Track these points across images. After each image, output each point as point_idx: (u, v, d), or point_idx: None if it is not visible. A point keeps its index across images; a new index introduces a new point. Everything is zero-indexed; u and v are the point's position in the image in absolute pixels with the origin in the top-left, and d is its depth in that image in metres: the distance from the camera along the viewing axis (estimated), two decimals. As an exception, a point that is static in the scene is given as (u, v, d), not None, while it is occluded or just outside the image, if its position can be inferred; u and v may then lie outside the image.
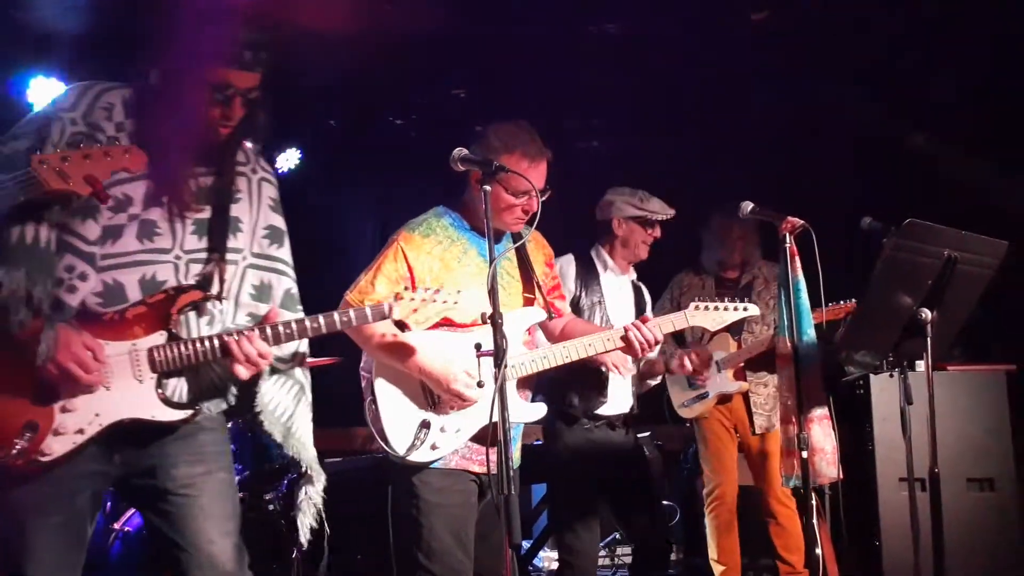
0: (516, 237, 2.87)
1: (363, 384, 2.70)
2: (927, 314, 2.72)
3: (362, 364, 2.73)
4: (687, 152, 5.52)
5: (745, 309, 3.01)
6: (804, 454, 2.98)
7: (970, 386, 4.44)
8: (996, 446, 4.35)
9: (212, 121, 2.07)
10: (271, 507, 4.27)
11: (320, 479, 2.28)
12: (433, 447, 2.61)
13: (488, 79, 5.25)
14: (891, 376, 4.07)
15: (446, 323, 2.65)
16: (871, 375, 4.45)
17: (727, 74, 4.97)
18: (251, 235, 2.20)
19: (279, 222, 2.27)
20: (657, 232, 3.79)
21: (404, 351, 2.58)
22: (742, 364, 4.20)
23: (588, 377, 3.50)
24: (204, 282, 2.08)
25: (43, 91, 4.71)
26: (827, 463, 3.04)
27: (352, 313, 2.17)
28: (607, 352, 2.82)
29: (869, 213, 3.06)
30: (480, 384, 2.10)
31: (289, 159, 6.08)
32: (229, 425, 2.28)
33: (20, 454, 1.91)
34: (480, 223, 2.69)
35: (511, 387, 2.68)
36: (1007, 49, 4.36)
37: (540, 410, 2.78)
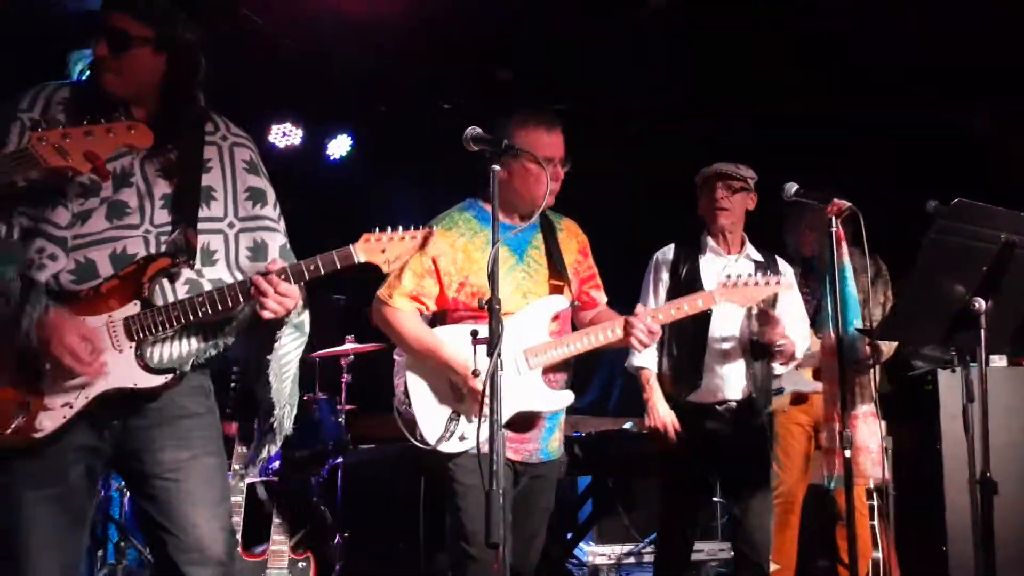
0: (546, 225, 2.86)
1: (395, 370, 2.75)
2: (981, 303, 2.49)
3: (396, 349, 2.78)
4: (734, 132, 5.30)
5: (778, 283, 2.84)
6: (847, 453, 2.80)
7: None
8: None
9: (115, 75, 2.05)
10: (314, 497, 4.29)
11: (281, 435, 2.28)
12: (462, 438, 2.62)
13: (537, 63, 5.14)
14: (954, 371, 3.85)
15: (474, 314, 2.63)
16: (939, 370, 4.19)
17: (768, 48, 4.73)
18: (232, 201, 2.20)
19: (259, 182, 2.26)
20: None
21: (433, 345, 2.63)
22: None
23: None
24: (173, 250, 2.09)
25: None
26: (872, 462, 2.86)
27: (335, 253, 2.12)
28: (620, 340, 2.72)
29: (930, 197, 2.83)
30: (475, 373, 2.01)
31: (341, 145, 6.11)
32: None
33: (16, 432, 1.95)
34: (505, 213, 2.71)
35: (535, 375, 2.67)
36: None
37: (566, 398, 2.75)
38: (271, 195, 2.27)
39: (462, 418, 2.62)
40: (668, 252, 3.45)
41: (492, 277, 2.00)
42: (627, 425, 4.85)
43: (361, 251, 2.10)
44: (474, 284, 2.70)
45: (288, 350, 2.23)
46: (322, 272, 2.07)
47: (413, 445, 2.63)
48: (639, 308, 2.77)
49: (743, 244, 3.43)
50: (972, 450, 2.75)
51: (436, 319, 2.78)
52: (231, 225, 2.19)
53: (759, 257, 3.43)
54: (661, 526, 3.57)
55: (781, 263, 3.48)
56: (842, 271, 2.91)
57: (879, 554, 3.95)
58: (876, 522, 4.17)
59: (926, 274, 2.49)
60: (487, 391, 1.89)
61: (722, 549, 4.72)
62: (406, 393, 2.63)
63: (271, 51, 5.04)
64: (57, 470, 2.02)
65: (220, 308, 2.05)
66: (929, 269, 2.48)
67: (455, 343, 2.59)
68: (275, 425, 2.26)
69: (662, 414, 3.28)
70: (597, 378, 6.16)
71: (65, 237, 2.03)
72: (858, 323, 2.89)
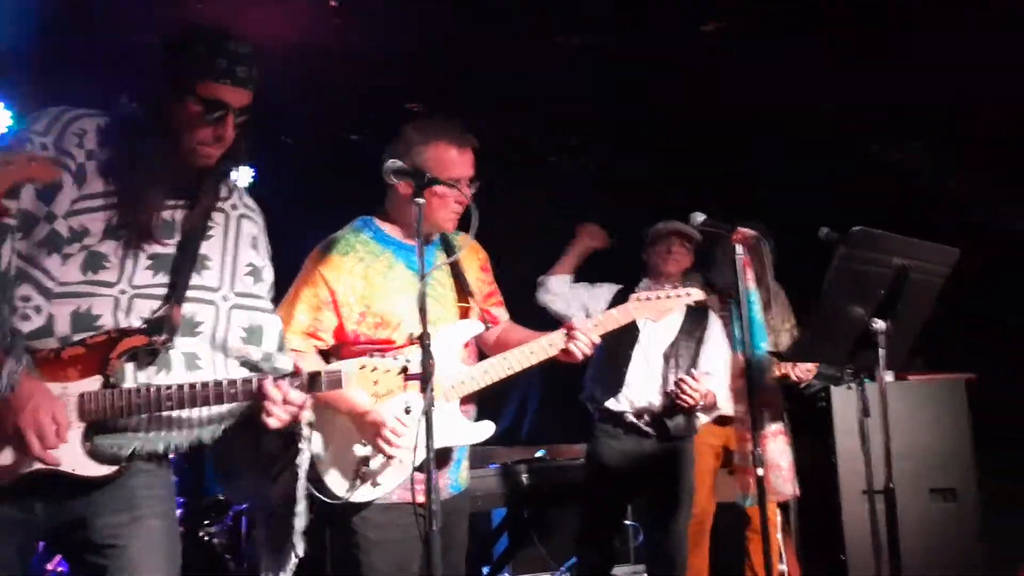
0: (445, 242, 2.72)
1: None
2: (880, 324, 2.65)
3: None
4: (648, 166, 5.48)
5: (688, 295, 2.91)
6: (760, 471, 2.90)
7: (930, 396, 4.43)
8: (957, 456, 4.33)
9: (200, 144, 1.93)
10: (215, 540, 4.11)
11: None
12: (376, 484, 2.44)
13: (447, 94, 5.17)
14: (849, 388, 4.08)
15: (376, 345, 2.46)
16: (832, 387, 4.41)
17: (687, 83, 4.92)
18: (229, 274, 2.05)
19: (259, 260, 2.12)
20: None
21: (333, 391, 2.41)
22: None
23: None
24: (153, 326, 1.91)
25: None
26: (783, 480, 2.98)
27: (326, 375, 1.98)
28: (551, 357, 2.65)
29: (830, 224, 2.99)
30: (407, 411, 1.97)
31: (242, 177, 5.93)
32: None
33: None
34: (407, 232, 2.57)
35: (453, 407, 2.54)
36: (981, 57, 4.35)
37: (487, 429, 2.62)
38: (268, 275, 2.14)
39: (371, 462, 2.42)
40: (612, 291, 3.74)
41: (422, 311, 1.97)
42: (539, 453, 4.87)
43: (354, 380, 1.99)
44: (377, 313, 2.50)
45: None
46: (322, 389, 1.98)
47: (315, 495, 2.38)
48: (575, 320, 2.67)
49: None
50: (869, 461, 2.91)
51: (329, 354, 2.55)
52: (225, 298, 2.03)
53: None
54: (580, 552, 3.64)
55: (710, 311, 3.79)
56: (748, 296, 3.04)
57: (784, 566, 4.11)
58: (780, 535, 4.34)
59: (831, 298, 2.64)
60: (421, 429, 1.85)
61: (635, 572, 4.79)
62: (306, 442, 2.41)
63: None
64: None
65: (200, 404, 1.88)
66: (834, 294, 2.63)
67: (356, 382, 2.32)
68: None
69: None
70: (508, 407, 6.16)
71: (52, 290, 1.86)
72: (766, 346, 3.02)
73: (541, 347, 2.58)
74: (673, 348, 3.68)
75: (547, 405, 5.87)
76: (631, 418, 3.62)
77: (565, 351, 2.59)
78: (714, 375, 3.61)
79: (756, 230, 3.88)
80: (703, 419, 3.79)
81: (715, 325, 3.75)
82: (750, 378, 2.97)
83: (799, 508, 4.46)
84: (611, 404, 3.64)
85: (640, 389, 3.65)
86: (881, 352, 2.65)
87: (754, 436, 2.93)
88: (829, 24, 4.40)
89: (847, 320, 2.62)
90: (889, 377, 4.47)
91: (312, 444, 2.30)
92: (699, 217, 3.14)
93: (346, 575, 2.46)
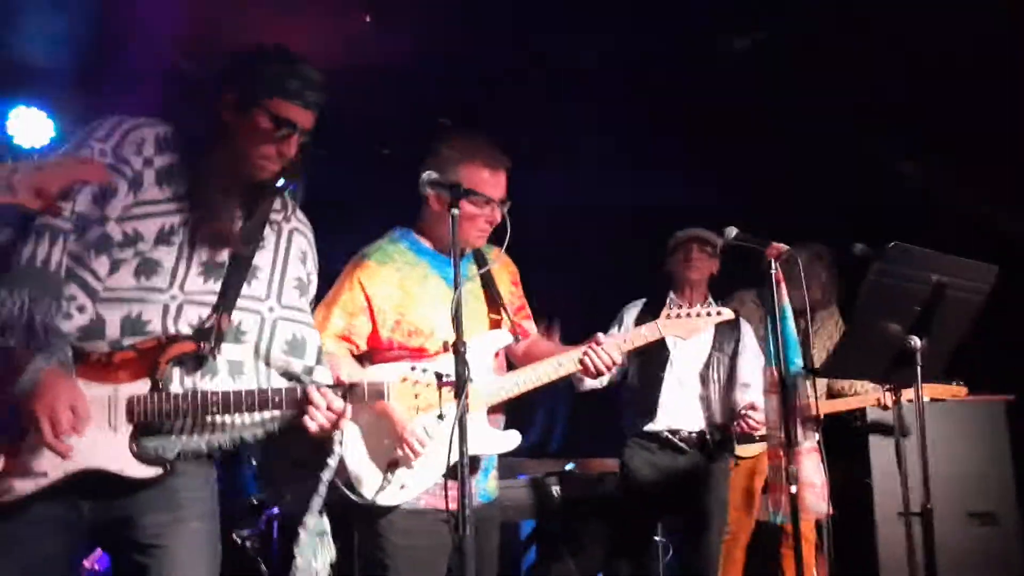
0: (478, 256, 2.79)
1: None
2: (916, 341, 2.62)
3: None
4: (678, 180, 5.46)
5: (719, 314, 2.92)
6: (793, 488, 2.87)
7: (969, 417, 4.33)
8: (996, 479, 4.23)
9: (263, 159, 1.99)
10: (247, 544, 4.15)
11: None
12: (402, 487, 2.50)
13: (475, 113, 5.21)
14: (885, 408, 4.02)
15: (409, 352, 2.55)
16: (868, 406, 4.34)
17: (716, 99, 4.92)
18: (277, 285, 2.09)
19: (304, 274, 2.16)
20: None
21: None
22: None
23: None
24: (200, 333, 1.96)
25: (24, 123, 4.69)
26: (817, 497, 2.93)
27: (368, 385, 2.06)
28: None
29: (865, 240, 2.97)
30: (441, 416, 2.00)
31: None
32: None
33: None
34: (441, 245, 2.65)
35: (481, 416, 2.57)
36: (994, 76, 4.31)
37: (514, 439, 2.66)
38: (313, 289, 2.19)
39: (400, 466, 2.48)
40: (637, 305, 3.73)
41: (456, 321, 1.99)
42: (569, 467, 4.86)
43: (395, 392, 2.06)
44: (411, 322, 2.58)
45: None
46: (364, 400, 2.05)
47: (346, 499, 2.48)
48: (599, 336, 2.71)
49: (706, 300, 3.67)
50: (905, 482, 2.86)
51: (363, 359, 2.63)
52: (271, 309, 2.08)
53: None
54: (609, 567, 3.62)
55: (742, 321, 3.75)
56: (782, 311, 3.01)
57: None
58: (814, 556, 4.28)
59: (865, 314, 2.62)
60: (455, 436, 1.87)
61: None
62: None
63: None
64: (28, 540, 1.86)
65: (246, 411, 1.94)
66: (868, 309, 2.61)
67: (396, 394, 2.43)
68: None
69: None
70: (538, 419, 6.16)
71: (98, 290, 1.91)
72: (799, 361, 2.99)
73: (570, 359, 2.63)
74: (708, 366, 3.67)
75: (577, 418, 5.85)
76: (667, 434, 3.61)
77: (583, 368, 2.64)
78: (752, 385, 3.59)
79: (816, 251, 3.97)
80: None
81: (748, 334, 3.74)
82: (784, 394, 2.94)
83: (833, 528, 4.39)
84: (648, 428, 3.65)
85: (676, 412, 3.64)
86: (918, 369, 2.62)
87: (788, 453, 2.90)
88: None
89: (882, 336, 2.59)
90: (924, 399, 4.44)
91: (344, 444, 2.37)
92: (732, 231, 3.13)
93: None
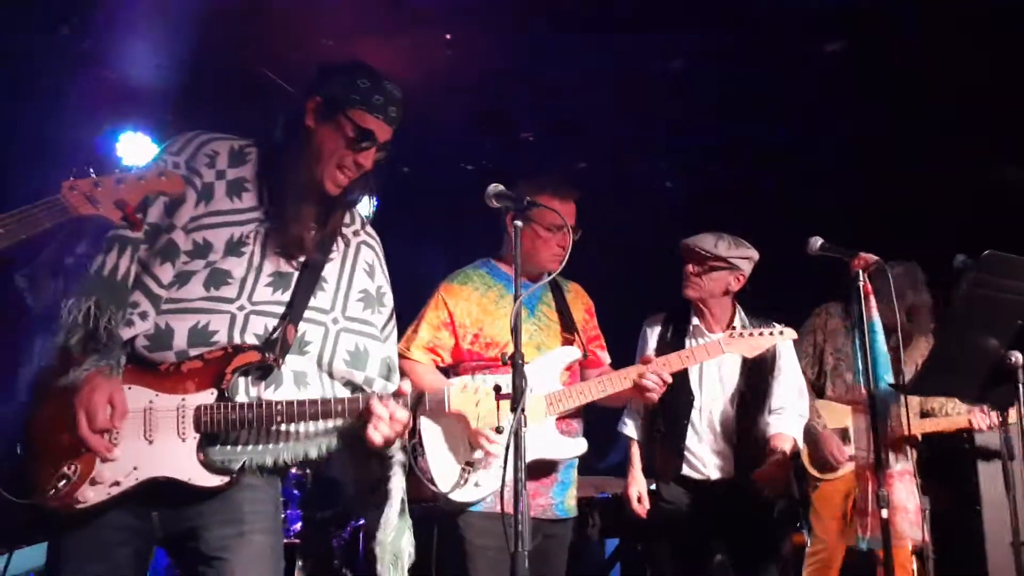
0: (554, 286, 2.98)
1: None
2: (1018, 358, 2.42)
3: None
4: (757, 189, 5.30)
5: (781, 333, 2.88)
6: (884, 513, 2.70)
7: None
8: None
9: (339, 168, 2.03)
10: (334, 553, 4.22)
11: None
12: (476, 484, 2.63)
13: (557, 124, 5.21)
14: (978, 431, 3.73)
15: (486, 363, 2.75)
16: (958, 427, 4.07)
17: (794, 108, 4.76)
18: (343, 298, 2.11)
19: (374, 288, 2.17)
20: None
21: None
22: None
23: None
24: (267, 344, 1.97)
25: (132, 147, 4.95)
26: (910, 523, 2.75)
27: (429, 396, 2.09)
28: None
29: (960, 251, 2.78)
30: (499, 430, 1.99)
31: (364, 207, 6.15)
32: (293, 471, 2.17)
33: (55, 497, 1.86)
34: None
35: (550, 422, 2.71)
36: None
37: (580, 446, 2.76)
38: (386, 305, 2.20)
39: (477, 467, 2.63)
40: (656, 323, 3.44)
41: (515, 332, 1.97)
42: (654, 487, 4.74)
43: (455, 399, 2.09)
44: (488, 335, 2.80)
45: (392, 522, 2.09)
46: (426, 407, 2.07)
47: (428, 503, 2.63)
48: (649, 355, 2.80)
49: (732, 321, 3.33)
50: (1014, 510, 2.65)
51: (448, 371, 2.84)
52: (335, 321, 2.09)
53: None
54: None
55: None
56: (871, 326, 2.85)
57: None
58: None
59: (958, 327, 2.44)
60: (511, 448, 1.84)
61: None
62: (420, 443, 2.62)
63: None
64: (101, 548, 1.90)
65: (309, 419, 1.96)
66: (961, 322, 2.44)
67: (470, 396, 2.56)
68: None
69: (634, 487, 3.40)
70: (623, 439, 6.04)
71: (160, 296, 1.96)
72: (889, 378, 2.82)
73: (617, 379, 2.75)
74: (740, 400, 3.27)
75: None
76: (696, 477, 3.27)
77: (639, 388, 2.70)
78: (787, 408, 3.27)
79: (905, 268, 3.65)
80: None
81: (786, 354, 3.33)
82: (873, 413, 2.77)
83: (940, 558, 4.13)
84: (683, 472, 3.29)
85: (702, 459, 3.27)
86: (1020, 388, 2.42)
87: (879, 475, 2.74)
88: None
89: (978, 351, 2.41)
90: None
91: (426, 443, 2.62)
92: (817, 242, 2.99)
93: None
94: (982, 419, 3.62)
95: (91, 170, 1.90)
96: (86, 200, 1.80)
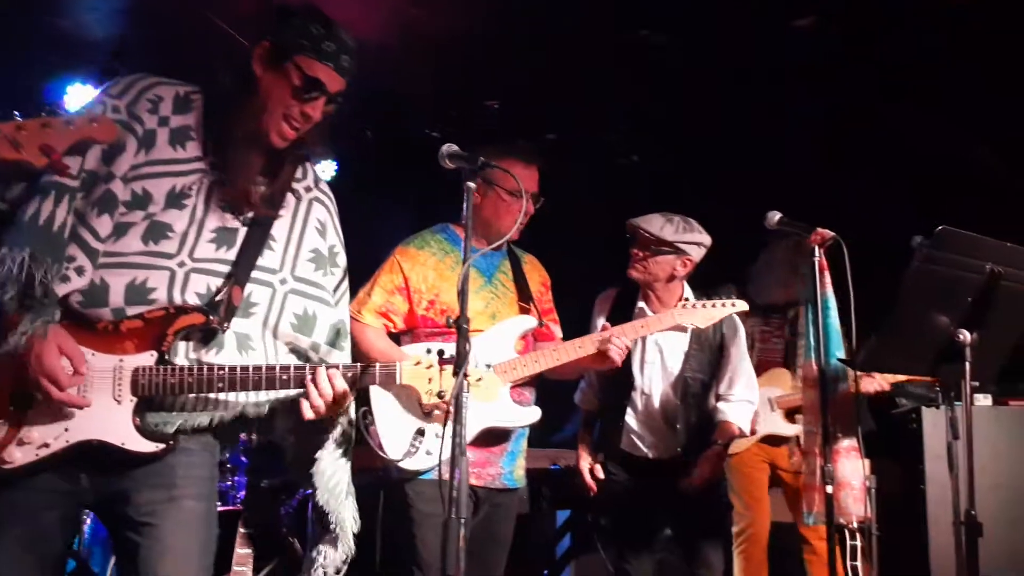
0: (511, 256, 2.94)
1: None
2: (966, 335, 2.42)
3: None
4: (719, 166, 5.29)
5: (734, 304, 2.93)
6: (829, 488, 2.71)
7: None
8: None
9: (286, 118, 1.92)
10: (283, 528, 4.14)
11: (344, 547, 2.06)
12: (428, 452, 2.60)
13: (524, 91, 5.13)
14: (939, 408, 3.79)
15: (441, 331, 2.69)
16: (924, 408, 4.13)
17: (766, 83, 4.73)
18: (292, 258, 2.01)
19: (325, 247, 2.08)
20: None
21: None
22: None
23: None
24: (211, 305, 1.88)
25: (80, 98, 4.78)
26: (854, 499, 2.76)
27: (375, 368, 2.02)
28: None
29: (920, 232, 2.77)
30: (440, 395, 1.94)
31: (325, 171, 6.05)
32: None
33: None
34: (475, 237, 2.69)
35: (504, 391, 2.70)
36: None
37: (533, 414, 2.74)
38: (339, 265, 2.11)
39: (427, 434, 2.60)
40: (608, 300, 3.40)
41: (462, 295, 1.92)
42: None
43: (408, 375, 1.99)
44: (444, 302, 2.75)
45: (334, 470, 2.05)
46: (376, 379, 1.99)
47: (376, 470, 2.61)
48: (606, 324, 2.83)
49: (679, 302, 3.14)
50: (956, 488, 2.67)
51: (401, 336, 2.80)
52: (283, 281, 2.00)
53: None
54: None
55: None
56: (825, 301, 2.85)
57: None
58: (859, 563, 4.09)
59: (910, 303, 2.43)
60: (451, 413, 1.80)
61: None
62: (370, 410, 2.59)
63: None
64: (27, 510, 1.82)
65: (252, 389, 1.88)
66: (913, 298, 2.42)
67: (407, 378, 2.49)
68: (334, 528, 2.06)
69: (584, 460, 3.40)
70: (577, 413, 6.05)
71: (97, 251, 1.85)
72: (840, 354, 2.82)
73: (590, 341, 2.76)
74: (683, 385, 3.23)
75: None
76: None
77: (603, 356, 2.72)
78: (735, 396, 3.26)
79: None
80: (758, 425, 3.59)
81: (735, 340, 3.29)
82: (823, 389, 2.77)
83: (885, 537, 4.19)
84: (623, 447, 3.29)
85: (642, 438, 3.26)
86: (967, 366, 2.42)
87: (825, 451, 2.74)
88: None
89: (927, 328, 2.40)
90: (986, 401, 4.17)
91: (376, 406, 2.59)
92: (775, 216, 2.97)
93: (400, 545, 2.62)
94: (869, 383, 3.69)
95: (17, 113, 1.80)
96: (8, 143, 1.68)
